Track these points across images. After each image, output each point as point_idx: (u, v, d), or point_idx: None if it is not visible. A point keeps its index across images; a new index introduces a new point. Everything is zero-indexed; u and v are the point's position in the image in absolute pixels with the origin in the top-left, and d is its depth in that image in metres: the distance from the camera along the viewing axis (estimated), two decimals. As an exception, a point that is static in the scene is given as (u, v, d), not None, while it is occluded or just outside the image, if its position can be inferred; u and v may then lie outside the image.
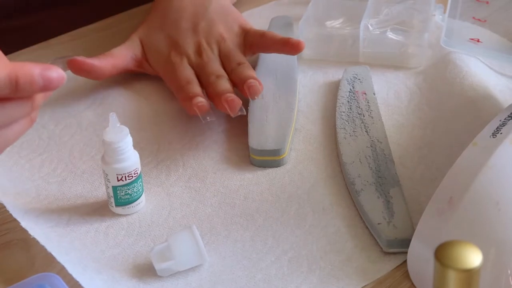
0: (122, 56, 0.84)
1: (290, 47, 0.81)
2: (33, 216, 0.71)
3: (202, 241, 0.65)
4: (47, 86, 0.59)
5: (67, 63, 0.80)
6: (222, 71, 0.81)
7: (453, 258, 0.46)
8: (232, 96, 0.77)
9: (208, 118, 0.77)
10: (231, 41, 0.84)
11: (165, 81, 0.84)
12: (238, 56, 0.82)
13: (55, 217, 0.71)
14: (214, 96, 0.78)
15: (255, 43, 0.84)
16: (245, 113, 0.77)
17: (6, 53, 0.65)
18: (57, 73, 0.60)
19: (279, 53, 0.84)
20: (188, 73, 0.81)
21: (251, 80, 0.78)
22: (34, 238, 0.67)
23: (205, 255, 0.65)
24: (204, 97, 0.78)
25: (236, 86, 0.80)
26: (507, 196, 0.62)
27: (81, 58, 0.81)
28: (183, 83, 0.80)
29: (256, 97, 0.79)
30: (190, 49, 0.83)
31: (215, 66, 0.81)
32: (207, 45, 0.83)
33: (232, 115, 0.77)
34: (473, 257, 0.46)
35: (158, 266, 0.65)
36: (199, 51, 0.82)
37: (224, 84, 0.79)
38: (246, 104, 0.81)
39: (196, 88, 0.79)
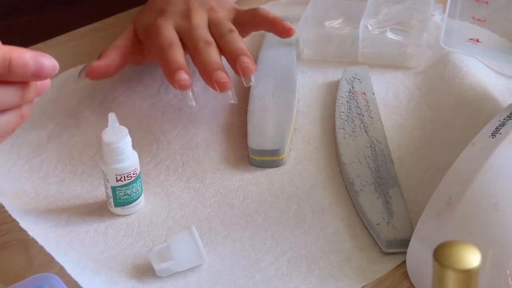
0: (123, 43, 0.82)
1: (280, 28, 0.81)
2: (32, 217, 0.71)
3: (201, 241, 0.65)
4: (39, 72, 0.59)
5: (86, 74, 0.78)
6: (210, 38, 0.78)
7: (452, 258, 0.46)
8: (224, 78, 0.75)
9: (191, 102, 0.76)
10: (222, 14, 0.82)
11: (150, 49, 0.82)
12: (229, 24, 0.80)
13: (54, 218, 0.71)
14: (202, 67, 0.76)
15: (247, 20, 0.83)
16: (235, 101, 0.76)
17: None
18: (49, 60, 0.60)
19: (268, 31, 0.83)
20: (171, 34, 0.79)
21: (244, 60, 0.77)
22: (33, 239, 0.67)
23: (204, 255, 0.65)
24: (187, 67, 0.76)
25: (224, 56, 0.78)
26: (506, 197, 0.62)
27: (95, 64, 0.79)
28: (165, 45, 0.78)
29: (248, 78, 0.77)
30: (178, 14, 0.81)
31: (203, 32, 0.79)
32: (196, 11, 0.81)
33: (220, 94, 0.76)
34: (472, 258, 0.46)
35: (157, 266, 0.65)
36: (187, 15, 0.80)
37: (213, 54, 0.77)
38: (245, 104, 0.81)
39: (179, 53, 0.77)
